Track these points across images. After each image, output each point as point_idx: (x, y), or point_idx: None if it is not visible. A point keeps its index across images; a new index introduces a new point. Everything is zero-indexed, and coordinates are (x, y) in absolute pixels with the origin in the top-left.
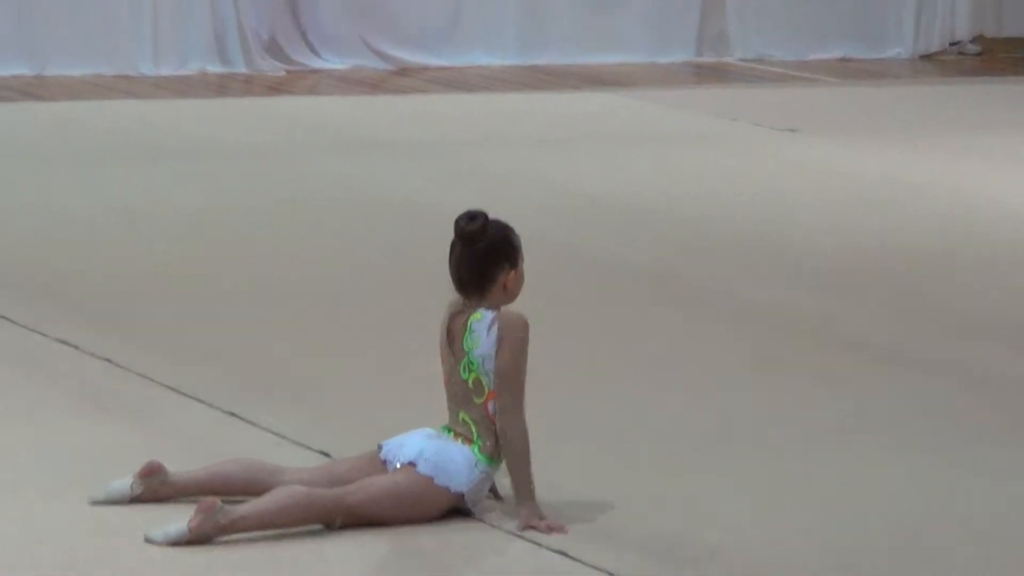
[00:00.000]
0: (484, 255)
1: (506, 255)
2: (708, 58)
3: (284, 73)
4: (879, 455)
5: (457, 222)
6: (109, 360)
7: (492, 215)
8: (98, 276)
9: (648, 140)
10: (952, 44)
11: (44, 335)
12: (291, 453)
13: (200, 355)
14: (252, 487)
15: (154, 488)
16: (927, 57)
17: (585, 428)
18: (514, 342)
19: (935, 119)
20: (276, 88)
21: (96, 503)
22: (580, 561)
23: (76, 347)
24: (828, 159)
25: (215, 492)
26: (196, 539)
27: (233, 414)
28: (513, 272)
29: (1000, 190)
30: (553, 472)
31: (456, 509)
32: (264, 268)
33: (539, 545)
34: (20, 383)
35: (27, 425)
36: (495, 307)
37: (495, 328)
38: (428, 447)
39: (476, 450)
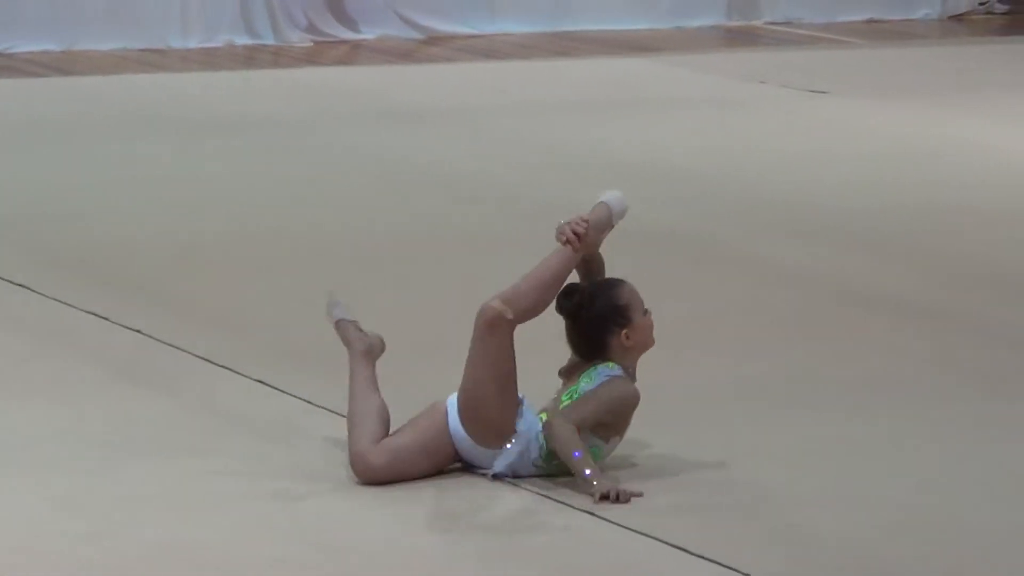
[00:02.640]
0: (589, 326)
1: (613, 319)
2: (736, 21)
3: (312, 44)
4: (907, 414)
5: (557, 299)
6: (139, 331)
7: (607, 280)
8: (127, 248)
9: (677, 105)
10: (980, 4)
11: (73, 307)
12: (321, 421)
13: (229, 325)
14: None
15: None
16: (956, 17)
17: None
18: (612, 397)
19: (963, 79)
20: (305, 59)
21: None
22: (608, 521)
23: (106, 319)
24: (857, 120)
25: None
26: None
27: (263, 382)
28: (627, 330)
29: None
30: None
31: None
32: (294, 238)
33: (566, 504)
34: (50, 355)
35: (57, 396)
36: (623, 364)
37: (602, 381)
38: None
39: (541, 439)
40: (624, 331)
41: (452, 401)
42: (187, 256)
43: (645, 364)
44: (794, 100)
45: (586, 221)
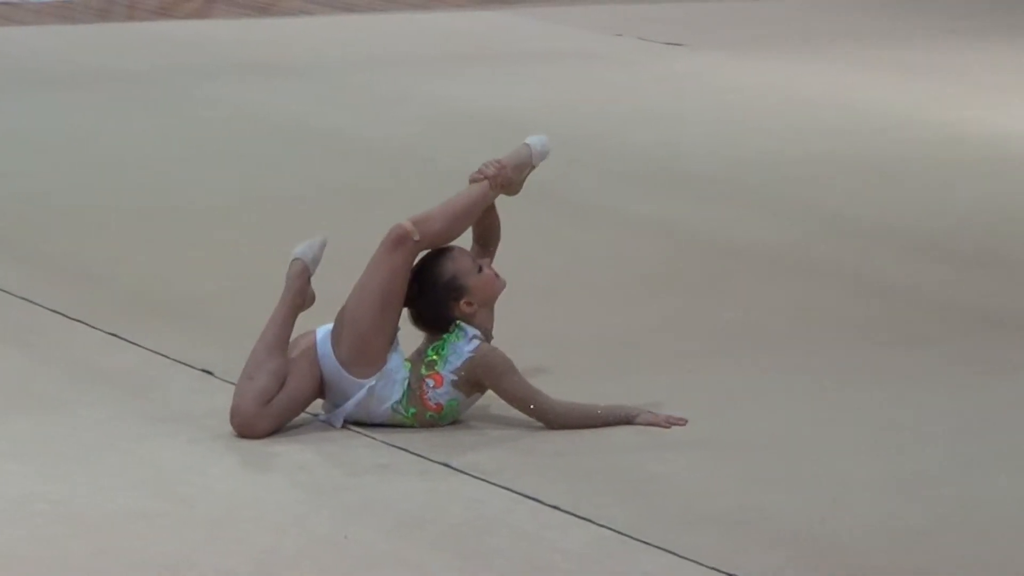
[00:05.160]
0: (429, 310)
1: (447, 296)
2: None
3: None
4: (774, 363)
5: None
6: None
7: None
8: None
9: (533, 57)
10: None
11: None
12: (176, 373)
13: (83, 278)
14: None
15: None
16: None
17: None
18: (500, 377)
19: (819, 31)
20: (160, 12)
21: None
22: (464, 472)
23: None
24: (714, 73)
25: None
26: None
27: (117, 335)
28: (465, 298)
29: (885, 99)
30: None
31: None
32: (149, 191)
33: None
34: None
35: None
36: (479, 327)
37: (469, 363)
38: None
39: (404, 385)
40: (462, 300)
41: (323, 329)
42: (40, 209)
43: (512, 316)
44: (651, 53)
45: (499, 162)
